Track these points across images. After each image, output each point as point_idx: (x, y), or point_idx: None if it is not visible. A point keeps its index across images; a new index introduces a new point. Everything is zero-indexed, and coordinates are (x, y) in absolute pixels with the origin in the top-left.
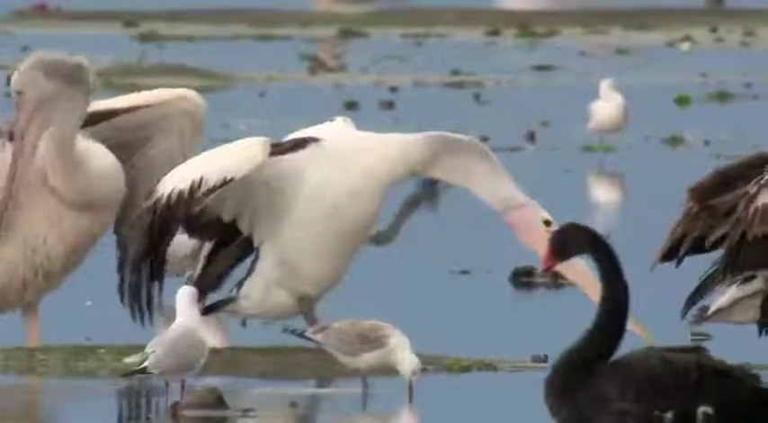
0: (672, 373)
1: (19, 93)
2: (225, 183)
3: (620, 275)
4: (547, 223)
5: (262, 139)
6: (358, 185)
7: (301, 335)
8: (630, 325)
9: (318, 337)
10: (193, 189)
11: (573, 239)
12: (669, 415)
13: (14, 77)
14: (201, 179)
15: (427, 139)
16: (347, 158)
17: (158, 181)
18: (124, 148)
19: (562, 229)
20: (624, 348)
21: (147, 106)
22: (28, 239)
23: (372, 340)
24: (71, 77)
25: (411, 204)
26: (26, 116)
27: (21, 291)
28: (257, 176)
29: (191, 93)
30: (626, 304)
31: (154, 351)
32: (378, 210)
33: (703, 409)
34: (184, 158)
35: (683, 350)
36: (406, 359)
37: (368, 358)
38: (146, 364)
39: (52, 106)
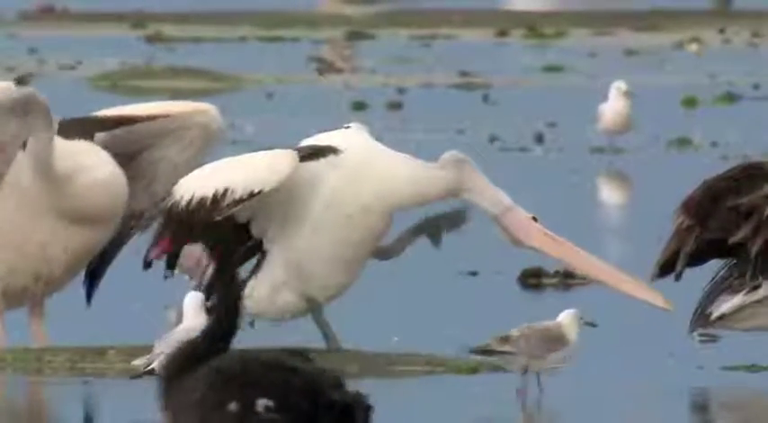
0: (239, 368)
1: None
2: (252, 195)
3: (233, 277)
4: (534, 219)
5: (290, 151)
6: (371, 202)
7: (487, 350)
8: (651, 297)
9: (506, 347)
10: (217, 198)
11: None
12: (233, 406)
13: None
14: (227, 190)
15: (444, 176)
16: (364, 174)
17: (157, 183)
18: (133, 152)
19: None
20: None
21: (166, 117)
22: (30, 248)
23: (557, 339)
24: (25, 108)
25: (422, 228)
26: None
27: (20, 295)
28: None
29: (210, 108)
30: (237, 305)
31: (161, 352)
32: (388, 225)
33: (263, 402)
34: (187, 166)
35: (282, 351)
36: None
37: (554, 358)
38: (154, 365)
39: (16, 142)
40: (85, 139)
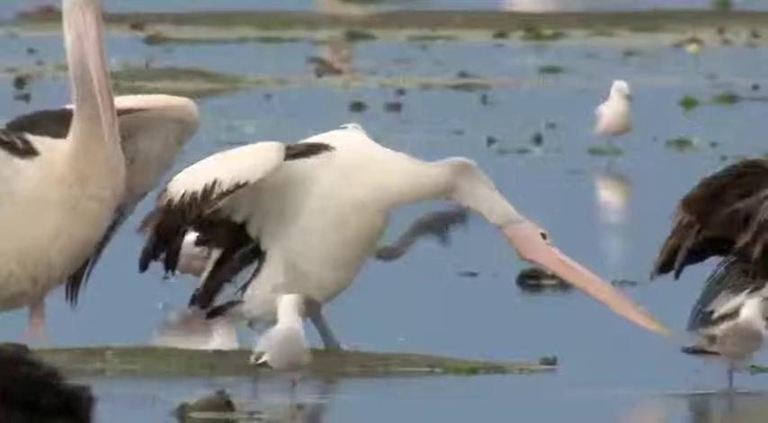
0: None
1: None
2: (238, 187)
3: None
4: (543, 236)
5: (277, 143)
6: (364, 200)
7: (698, 350)
8: (646, 323)
9: (715, 347)
10: (206, 191)
11: None
12: None
13: None
14: (215, 182)
15: (439, 173)
16: (356, 171)
17: (133, 177)
18: None
19: None
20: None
21: (145, 110)
22: (28, 253)
23: (757, 337)
24: None
25: (425, 227)
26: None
27: (18, 299)
28: (267, 179)
29: (190, 104)
30: None
31: (266, 351)
32: (384, 223)
33: None
34: (162, 161)
35: None
36: None
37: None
38: (266, 358)
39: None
40: (64, 130)
